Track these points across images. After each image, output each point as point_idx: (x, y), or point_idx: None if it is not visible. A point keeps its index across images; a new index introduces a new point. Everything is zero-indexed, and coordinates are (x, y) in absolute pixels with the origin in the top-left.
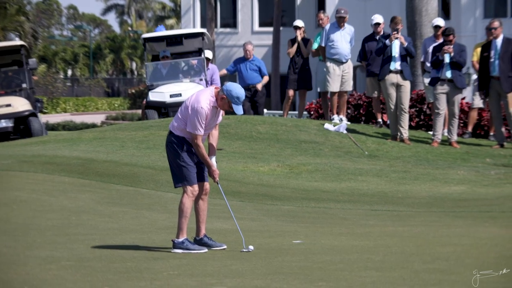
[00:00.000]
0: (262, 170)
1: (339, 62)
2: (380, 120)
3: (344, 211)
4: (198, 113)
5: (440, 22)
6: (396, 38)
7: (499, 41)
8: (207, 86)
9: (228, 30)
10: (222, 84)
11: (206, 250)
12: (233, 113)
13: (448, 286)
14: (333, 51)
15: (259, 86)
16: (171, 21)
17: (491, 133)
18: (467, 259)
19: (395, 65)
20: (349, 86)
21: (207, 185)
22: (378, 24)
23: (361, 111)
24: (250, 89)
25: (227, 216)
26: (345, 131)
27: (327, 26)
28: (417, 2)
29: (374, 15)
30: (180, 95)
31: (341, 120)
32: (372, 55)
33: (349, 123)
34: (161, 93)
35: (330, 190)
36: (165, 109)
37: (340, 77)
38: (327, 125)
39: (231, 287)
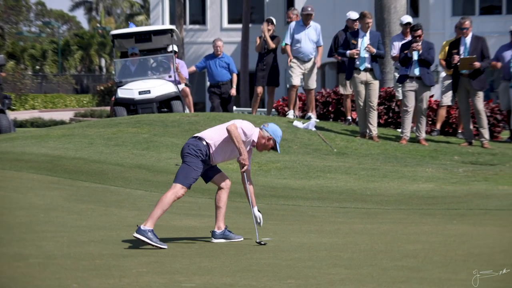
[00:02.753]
0: (231, 167)
1: (302, 61)
2: (349, 117)
3: (313, 209)
4: (252, 129)
5: (409, 19)
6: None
7: (468, 38)
8: (175, 83)
9: (197, 27)
10: (190, 80)
11: (165, 246)
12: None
13: (416, 283)
14: (296, 49)
15: (233, 92)
16: (140, 18)
17: (460, 131)
18: (435, 256)
19: (365, 64)
20: (313, 84)
21: (228, 181)
22: (354, 20)
23: (330, 109)
24: (220, 86)
25: (196, 214)
26: (314, 129)
27: (292, 24)
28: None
29: (349, 11)
30: (148, 92)
31: (310, 118)
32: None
33: (318, 120)
34: (129, 90)
35: (299, 187)
36: (134, 106)
37: (301, 74)
38: (296, 123)
39: (199, 284)
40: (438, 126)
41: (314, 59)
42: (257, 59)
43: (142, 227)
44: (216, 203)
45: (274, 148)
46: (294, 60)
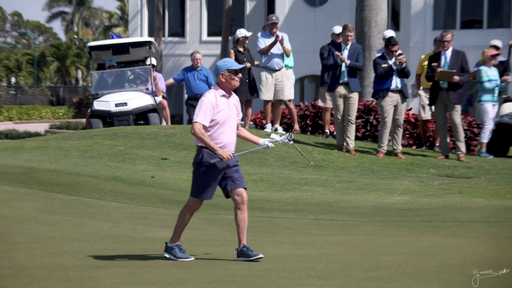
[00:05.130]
0: None
1: (272, 70)
2: (327, 130)
3: (288, 220)
4: (202, 103)
5: (392, 33)
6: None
7: (448, 52)
8: (153, 95)
9: (176, 39)
10: (167, 93)
11: (192, 258)
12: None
13: None
14: (264, 59)
15: None
16: (118, 30)
17: (437, 144)
18: (408, 267)
19: (344, 77)
20: (283, 95)
21: (243, 193)
22: (338, 34)
23: (308, 122)
24: (198, 99)
25: (171, 225)
26: (291, 141)
27: (259, 34)
28: (366, 13)
29: (335, 26)
30: (125, 104)
31: (276, 130)
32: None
33: (284, 132)
34: (106, 102)
35: (274, 199)
36: (110, 118)
37: (273, 86)
38: (273, 136)
39: None
40: (424, 139)
41: (285, 68)
42: None
43: (168, 244)
44: (235, 222)
45: (234, 72)
46: (263, 72)
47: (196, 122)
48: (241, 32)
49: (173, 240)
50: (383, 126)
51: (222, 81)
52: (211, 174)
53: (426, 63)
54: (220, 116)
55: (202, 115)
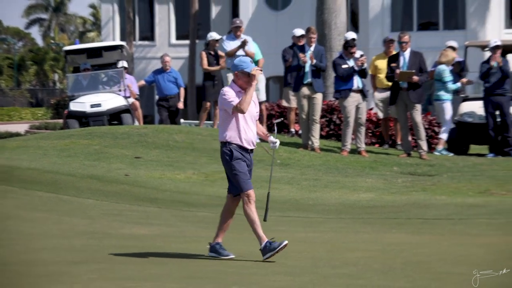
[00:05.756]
0: (178, 177)
1: None
2: (292, 130)
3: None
4: (225, 93)
5: (353, 35)
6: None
7: (407, 53)
8: (125, 96)
9: (146, 43)
10: (139, 94)
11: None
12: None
13: None
14: (230, 61)
15: (181, 105)
16: (92, 34)
17: (399, 142)
18: (374, 264)
19: (308, 78)
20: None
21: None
22: (298, 36)
23: (273, 121)
24: (168, 99)
25: (145, 222)
26: (258, 141)
27: (224, 37)
28: (326, 16)
29: (295, 29)
30: (100, 105)
31: None
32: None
33: None
34: (81, 103)
35: None
36: (86, 119)
37: None
38: None
39: None
40: (399, 140)
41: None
42: (205, 75)
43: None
44: (221, 215)
45: (246, 75)
46: (229, 74)
47: (234, 106)
48: (212, 36)
49: (261, 240)
50: (346, 125)
51: (237, 79)
52: (244, 165)
53: (377, 63)
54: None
55: (233, 99)
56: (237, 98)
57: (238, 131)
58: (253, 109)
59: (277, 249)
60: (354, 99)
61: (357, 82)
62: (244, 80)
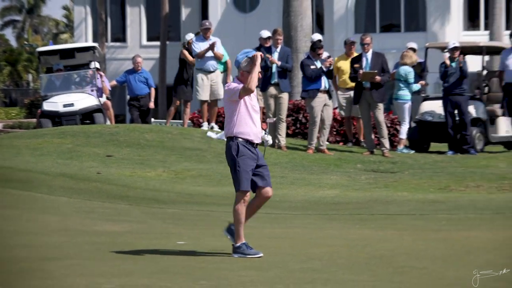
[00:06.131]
0: (149, 175)
1: (207, 72)
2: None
3: (226, 214)
4: (228, 86)
5: (319, 37)
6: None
7: (369, 54)
8: (97, 96)
9: (118, 44)
10: (111, 94)
11: (261, 254)
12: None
13: (321, 285)
14: (200, 61)
15: (151, 105)
16: (64, 36)
17: (362, 140)
18: (339, 259)
19: (275, 78)
20: (219, 95)
21: (270, 191)
22: (265, 38)
23: None
24: (139, 99)
25: (116, 219)
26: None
27: (194, 38)
28: (292, 18)
29: (262, 30)
30: (72, 105)
31: (212, 128)
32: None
33: (219, 130)
34: (54, 103)
35: (212, 194)
36: (59, 118)
37: (209, 87)
38: (210, 133)
39: (118, 285)
40: (361, 137)
41: (219, 70)
42: (178, 76)
43: (235, 245)
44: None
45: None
46: (199, 74)
47: (241, 88)
48: (190, 36)
49: (238, 240)
50: (313, 124)
51: (243, 78)
52: (249, 163)
53: (339, 64)
54: (244, 106)
55: (236, 86)
56: (236, 87)
57: (245, 125)
58: (256, 104)
59: (248, 256)
60: (321, 99)
61: (324, 82)
62: (246, 76)
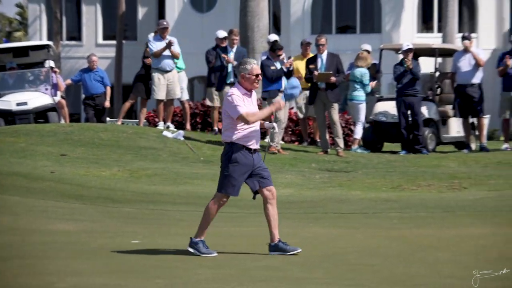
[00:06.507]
0: (104, 174)
1: (164, 71)
2: (216, 128)
3: (181, 213)
4: (232, 98)
5: (275, 37)
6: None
7: (324, 55)
8: (51, 95)
9: (73, 42)
10: (66, 93)
11: (215, 254)
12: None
13: (276, 282)
14: (156, 61)
15: (107, 104)
16: (18, 34)
17: (317, 140)
18: (293, 257)
19: (231, 78)
20: (175, 95)
21: (273, 189)
22: (221, 38)
23: (197, 120)
24: (94, 98)
25: (70, 218)
26: (182, 138)
27: (151, 37)
28: (249, 19)
29: (218, 31)
30: (26, 103)
31: (168, 127)
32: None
33: (176, 130)
34: (7, 102)
35: (168, 193)
36: (12, 117)
37: (165, 86)
38: (166, 132)
39: (71, 285)
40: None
41: (176, 70)
42: (133, 72)
43: (193, 239)
44: (266, 218)
45: (255, 75)
46: (155, 73)
47: (241, 114)
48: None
49: (198, 235)
50: (277, 124)
51: (243, 81)
52: (240, 170)
53: (295, 65)
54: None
55: (240, 106)
56: (244, 103)
57: (243, 131)
58: (256, 107)
59: (201, 254)
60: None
61: (284, 83)
62: (250, 81)
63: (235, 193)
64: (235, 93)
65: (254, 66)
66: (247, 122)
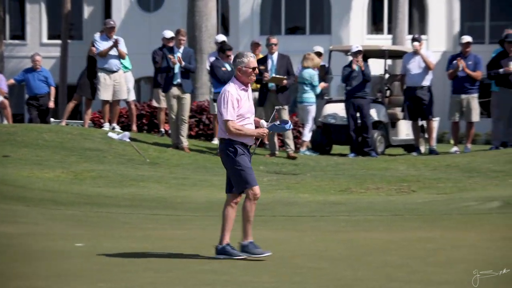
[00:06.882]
0: (47, 176)
1: (110, 72)
2: (162, 129)
3: (125, 216)
4: (226, 99)
5: (223, 38)
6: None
7: (274, 56)
8: None
9: (17, 41)
10: (9, 93)
11: (269, 253)
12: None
13: (221, 286)
14: (102, 61)
15: (51, 104)
16: None
17: (266, 142)
18: (239, 260)
19: (177, 79)
20: (121, 95)
21: (258, 189)
22: (168, 38)
23: (144, 121)
24: (38, 98)
25: (12, 221)
26: (128, 140)
27: (97, 37)
28: (197, 19)
29: (164, 31)
30: None
31: (113, 128)
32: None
33: (122, 131)
34: None
35: (112, 195)
36: None
37: (111, 87)
38: (111, 134)
39: None
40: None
41: (122, 70)
42: (79, 72)
43: (243, 242)
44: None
45: (252, 68)
46: (101, 73)
47: (227, 120)
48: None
49: (245, 238)
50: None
51: (240, 75)
52: (247, 158)
53: None
54: (243, 108)
55: (229, 112)
56: (235, 107)
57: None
58: (252, 106)
59: (253, 256)
60: None
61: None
62: (247, 75)
63: (256, 182)
64: (231, 92)
65: (251, 59)
66: (228, 129)
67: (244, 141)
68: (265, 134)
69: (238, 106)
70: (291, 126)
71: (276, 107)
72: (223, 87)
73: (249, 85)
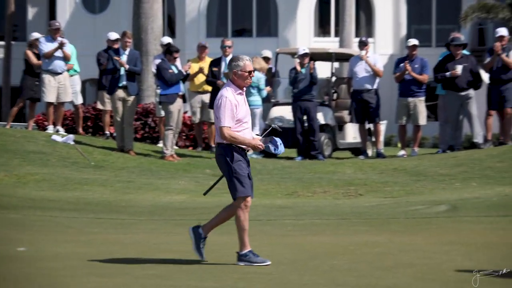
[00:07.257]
0: None
1: (55, 73)
2: (107, 132)
3: (69, 219)
4: (223, 105)
5: (169, 40)
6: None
7: (228, 58)
8: None
9: None
10: None
11: (269, 262)
12: None
13: None
14: (47, 62)
15: None
16: None
17: (212, 145)
18: (184, 265)
19: (123, 81)
20: (66, 98)
21: (250, 200)
22: (113, 40)
23: (89, 124)
24: None
25: None
26: (72, 142)
27: (42, 39)
28: (143, 21)
29: (110, 32)
30: None
31: (57, 131)
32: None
33: (66, 134)
34: None
35: (56, 199)
36: None
37: (56, 89)
38: (55, 136)
39: None
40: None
41: (67, 72)
42: (26, 73)
43: (240, 253)
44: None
45: (248, 72)
46: (45, 75)
47: (223, 127)
48: (34, 35)
49: (243, 247)
50: (171, 130)
51: (235, 79)
52: (244, 166)
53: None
54: (240, 113)
55: (227, 118)
56: (232, 114)
57: (238, 132)
58: (248, 110)
59: (255, 264)
60: (179, 103)
61: (181, 87)
62: (243, 78)
63: (249, 191)
64: (229, 98)
65: (246, 62)
66: (224, 136)
67: (242, 146)
68: (260, 148)
69: (237, 111)
70: (282, 152)
71: (273, 126)
72: (169, 89)
73: (244, 88)
